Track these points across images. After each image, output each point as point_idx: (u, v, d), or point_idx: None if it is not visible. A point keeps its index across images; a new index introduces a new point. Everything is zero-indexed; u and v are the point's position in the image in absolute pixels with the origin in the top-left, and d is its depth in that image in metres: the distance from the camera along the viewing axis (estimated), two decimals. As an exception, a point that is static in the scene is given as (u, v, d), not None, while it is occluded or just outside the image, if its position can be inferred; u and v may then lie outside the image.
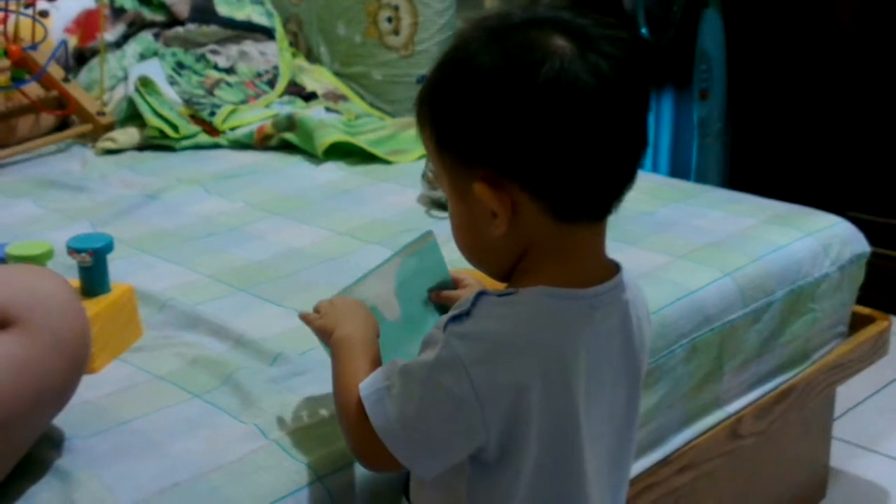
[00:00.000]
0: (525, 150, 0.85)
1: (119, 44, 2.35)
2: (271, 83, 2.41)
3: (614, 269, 0.94)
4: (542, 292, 0.88)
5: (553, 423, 0.89)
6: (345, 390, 0.97)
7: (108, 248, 1.31)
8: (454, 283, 1.15)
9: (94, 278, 1.30)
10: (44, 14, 2.19)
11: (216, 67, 2.39)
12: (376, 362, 1.00)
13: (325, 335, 1.05)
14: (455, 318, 0.88)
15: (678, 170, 2.85)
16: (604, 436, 0.94)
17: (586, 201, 0.88)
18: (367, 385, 0.93)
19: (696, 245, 1.62)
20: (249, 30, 2.47)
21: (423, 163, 1.87)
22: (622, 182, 0.89)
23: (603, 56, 0.85)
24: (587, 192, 0.88)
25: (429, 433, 0.89)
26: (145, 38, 2.37)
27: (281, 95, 2.39)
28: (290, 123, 2.15)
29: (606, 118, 0.85)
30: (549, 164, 0.85)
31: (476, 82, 0.86)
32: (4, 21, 2.13)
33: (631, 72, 0.86)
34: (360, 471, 1.08)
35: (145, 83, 2.20)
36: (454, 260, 1.06)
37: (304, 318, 1.10)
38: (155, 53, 2.35)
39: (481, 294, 0.89)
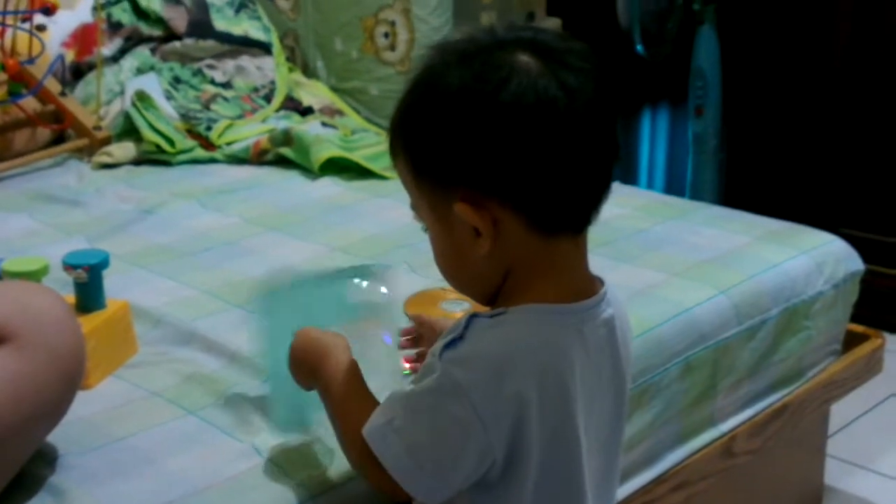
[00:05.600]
0: (501, 167, 0.86)
1: (116, 58, 2.35)
2: (268, 98, 2.42)
3: (598, 284, 0.95)
4: (531, 310, 0.89)
5: (552, 438, 0.90)
6: (347, 427, 0.96)
7: (104, 264, 1.31)
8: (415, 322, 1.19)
9: (89, 294, 1.30)
10: (41, 28, 2.19)
11: (213, 82, 2.40)
12: (363, 388, 0.99)
13: (311, 378, 1.03)
14: (449, 344, 0.89)
15: (673, 186, 2.86)
16: (595, 450, 0.95)
17: (565, 213, 0.89)
18: (370, 424, 0.92)
19: (691, 262, 1.63)
20: (246, 45, 2.48)
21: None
22: (598, 192, 0.90)
23: (569, 70, 0.86)
24: (565, 203, 0.89)
25: (439, 462, 0.89)
26: (142, 52, 2.37)
27: (277, 110, 2.39)
28: (287, 138, 2.16)
29: (578, 130, 0.86)
30: (525, 179, 0.86)
31: (445, 104, 0.87)
32: (2, 35, 2.14)
33: (598, 83, 0.88)
34: (353, 490, 1.08)
35: (142, 97, 2.21)
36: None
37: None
38: (152, 68, 2.36)
39: (473, 317, 0.89)
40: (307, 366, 1.03)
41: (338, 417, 0.99)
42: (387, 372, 1.24)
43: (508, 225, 0.88)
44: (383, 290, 1.25)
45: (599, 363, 0.93)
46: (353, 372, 1.00)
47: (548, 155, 0.86)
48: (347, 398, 0.98)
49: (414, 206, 0.94)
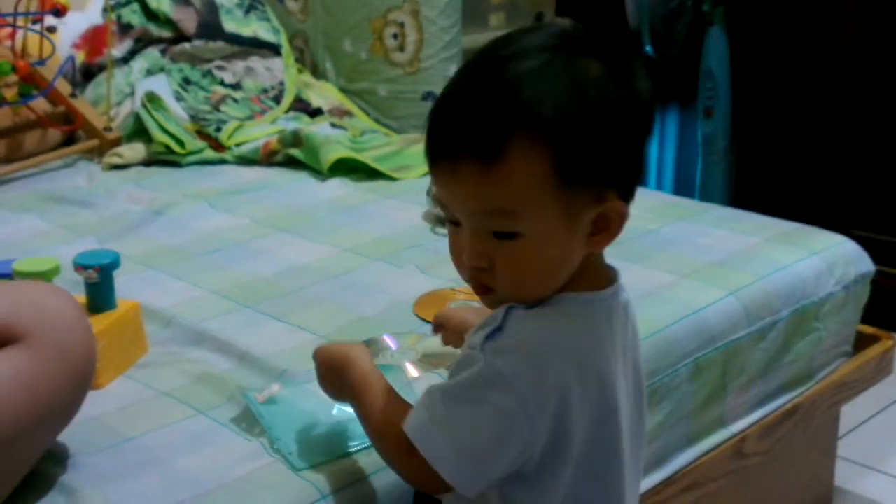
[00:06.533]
0: (634, 162, 0.91)
1: (126, 59, 2.36)
2: (277, 99, 2.42)
3: (613, 271, 0.97)
4: (569, 300, 0.91)
5: (593, 429, 0.91)
6: (382, 426, 0.96)
7: (115, 264, 1.32)
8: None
9: (100, 294, 1.31)
10: (51, 30, 2.20)
11: (222, 83, 2.40)
12: (391, 388, 1.00)
13: (340, 389, 1.04)
14: (490, 335, 0.89)
15: (682, 188, 2.85)
16: (628, 437, 0.97)
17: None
18: (411, 421, 0.92)
19: (701, 264, 1.62)
20: (256, 46, 2.48)
21: (427, 179, 1.87)
22: None
23: (639, 69, 0.91)
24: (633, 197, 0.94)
25: (483, 452, 0.89)
26: (152, 53, 2.38)
27: (287, 111, 2.40)
28: (296, 139, 2.16)
29: (653, 123, 0.93)
30: (637, 171, 0.92)
31: (609, 106, 0.87)
32: (12, 37, 2.14)
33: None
34: (364, 489, 1.08)
35: (152, 99, 2.21)
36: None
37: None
38: (162, 69, 2.36)
39: (510, 308, 0.90)
40: (336, 379, 1.03)
41: (371, 420, 0.98)
42: (391, 377, 1.25)
43: None
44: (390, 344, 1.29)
45: (624, 348, 0.95)
46: (378, 375, 1.01)
47: (647, 147, 0.92)
48: (378, 400, 0.98)
49: (511, 214, 0.87)
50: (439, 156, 0.89)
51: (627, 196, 0.91)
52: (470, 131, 0.86)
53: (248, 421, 1.17)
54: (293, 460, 1.10)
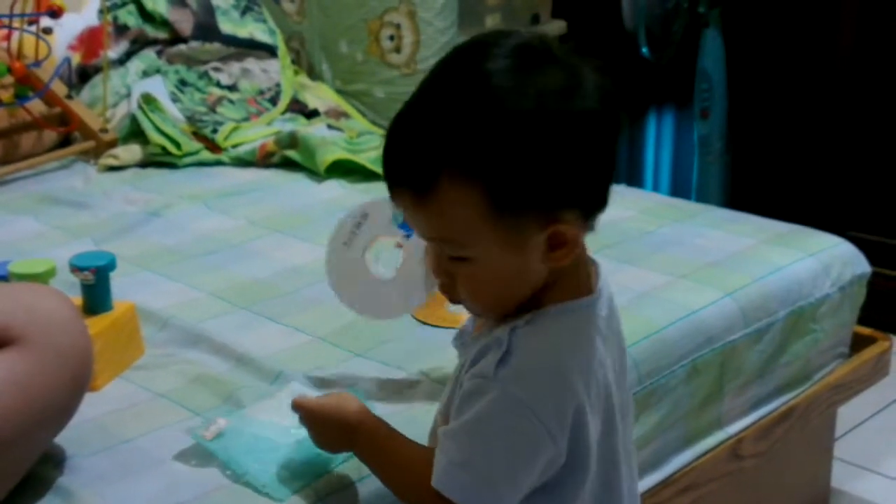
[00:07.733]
0: (583, 181, 0.87)
1: (122, 61, 2.35)
2: (273, 100, 2.42)
3: (595, 265, 0.97)
4: (565, 309, 0.91)
5: (600, 432, 0.93)
6: (414, 483, 0.95)
7: (111, 266, 1.32)
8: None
9: (96, 296, 1.31)
10: (47, 31, 2.20)
11: (219, 85, 2.40)
12: (410, 442, 1.00)
13: (345, 448, 1.04)
14: (500, 362, 0.89)
15: (679, 189, 2.86)
16: (624, 426, 0.99)
17: (604, 208, 0.91)
18: (434, 474, 0.91)
19: (697, 265, 1.63)
20: (252, 47, 2.48)
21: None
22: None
23: (599, 77, 0.88)
24: (605, 203, 0.91)
25: (512, 477, 0.90)
26: (148, 55, 2.38)
27: (283, 113, 2.39)
28: (293, 141, 2.16)
29: (617, 126, 0.89)
30: (593, 185, 0.89)
31: (539, 126, 0.84)
32: (8, 38, 2.14)
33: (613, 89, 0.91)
34: (360, 492, 1.08)
35: (148, 100, 2.21)
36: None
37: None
38: (158, 70, 2.36)
39: (513, 329, 0.90)
40: (343, 436, 1.02)
41: (396, 476, 0.99)
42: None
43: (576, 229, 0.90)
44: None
45: (611, 342, 0.96)
46: (390, 431, 1.00)
47: (607, 157, 0.89)
48: (403, 459, 0.98)
49: (455, 242, 0.88)
50: (387, 182, 0.92)
51: (589, 210, 0.89)
52: (403, 164, 0.89)
53: (199, 458, 1.11)
54: (270, 492, 1.06)
